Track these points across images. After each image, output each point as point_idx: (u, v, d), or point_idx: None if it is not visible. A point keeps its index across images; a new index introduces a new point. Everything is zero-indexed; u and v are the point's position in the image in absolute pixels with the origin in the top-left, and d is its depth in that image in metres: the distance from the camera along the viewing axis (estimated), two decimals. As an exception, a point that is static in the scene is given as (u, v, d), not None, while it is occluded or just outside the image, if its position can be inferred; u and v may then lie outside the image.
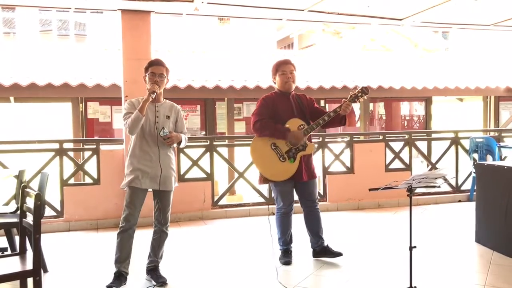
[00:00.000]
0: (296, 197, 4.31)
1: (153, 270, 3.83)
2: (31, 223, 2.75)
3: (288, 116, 4.11)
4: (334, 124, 4.23)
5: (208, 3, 5.30)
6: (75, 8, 6.00)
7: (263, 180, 4.19)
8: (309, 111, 4.22)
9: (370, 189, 3.37)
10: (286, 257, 4.26)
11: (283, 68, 4.18)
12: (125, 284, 3.67)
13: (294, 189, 4.26)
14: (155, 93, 3.65)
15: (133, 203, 3.68)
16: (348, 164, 6.77)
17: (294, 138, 4.04)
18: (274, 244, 4.32)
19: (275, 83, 4.29)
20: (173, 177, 3.81)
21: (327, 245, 4.31)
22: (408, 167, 6.97)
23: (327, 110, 4.70)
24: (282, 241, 4.32)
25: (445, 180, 7.02)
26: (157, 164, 3.69)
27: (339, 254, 4.24)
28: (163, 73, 3.76)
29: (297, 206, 4.33)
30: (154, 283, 3.74)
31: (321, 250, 4.29)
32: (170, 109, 3.87)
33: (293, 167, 4.07)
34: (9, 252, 4.03)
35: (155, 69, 3.75)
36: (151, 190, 3.77)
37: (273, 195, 4.33)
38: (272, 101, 4.17)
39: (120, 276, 3.67)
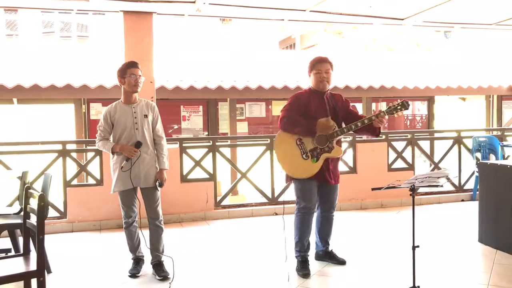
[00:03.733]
0: None
1: (157, 265, 3.94)
2: (35, 224, 2.76)
3: (321, 116, 3.88)
4: (366, 133, 4.02)
5: (210, 4, 5.30)
6: (77, 10, 6.01)
7: (288, 178, 4.00)
8: (343, 113, 3.99)
9: (372, 189, 3.36)
10: (304, 269, 3.95)
11: (318, 67, 3.92)
12: (143, 264, 4.06)
13: (320, 190, 4.05)
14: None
15: (125, 204, 3.94)
16: (351, 164, 6.76)
17: (322, 128, 3.82)
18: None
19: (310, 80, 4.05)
20: (156, 173, 3.94)
21: (331, 250, 4.24)
22: (410, 167, 6.96)
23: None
24: (299, 247, 4.01)
25: (448, 179, 7.01)
26: (137, 164, 3.84)
27: (343, 262, 4.15)
28: (141, 75, 3.94)
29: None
30: (157, 277, 3.85)
31: (324, 255, 4.23)
32: (147, 107, 3.98)
33: (315, 167, 3.84)
34: (13, 253, 4.04)
35: (135, 71, 3.90)
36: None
37: (295, 194, 4.04)
38: (305, 98, 3.94)
39: (139, 261, 4.03)
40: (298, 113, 3.89)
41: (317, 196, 4.03)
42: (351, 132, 3.88)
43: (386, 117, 3.76)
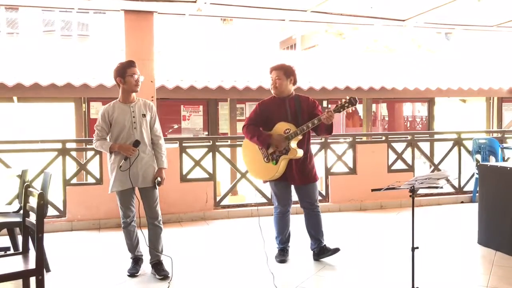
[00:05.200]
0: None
1: (156, 264, 3.94)
2: (34, 222, 2.76)
3: (280, 120, 4.10)
4: (321, 132, 4.13)
5: (211, 3, 5.29)
6: (78, 9, 6.02)
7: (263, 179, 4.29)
8: (308, 115, 4.12)
9: (372, 190, 3.36)
10: (281, 255, 4.31)
11: (270, 74, 4.25)
12: (142, 263, 4.05)
13: (295, 190, 4.28)
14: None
15: (123, 204, 3.93)
16: (351, 165, 6.76)
17: (276, 143, 4.04)
18: (267, 247, 4.29)
19: None
20: (155, 172, 3.94)
21: (324, 244, 4.30)
22: (410, 168, 6.95)
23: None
24: (279, 240, 4.36)
25: (448, 181, 7.00)
26: (135, 164, 3.82)
27: (336, 250, 4.22)
28: (139, 74, 3.94)
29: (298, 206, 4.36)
30: (157, 276, 3.85)
31: (319, 251, 4.28)
32: (145, 106, 3.99)
33: (275, 169, 4.06)
34: (12, 251, 4.03)
35: (135, 70, 3.90)
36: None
37: (270, 195, 4.37)
38: (267, 106, 4.22)
39: (138, 260, 4.03)
40: (261, 120, 4.17)
41: (289, 197, 4.27)
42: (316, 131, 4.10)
43: (334, 115, 3.89)
